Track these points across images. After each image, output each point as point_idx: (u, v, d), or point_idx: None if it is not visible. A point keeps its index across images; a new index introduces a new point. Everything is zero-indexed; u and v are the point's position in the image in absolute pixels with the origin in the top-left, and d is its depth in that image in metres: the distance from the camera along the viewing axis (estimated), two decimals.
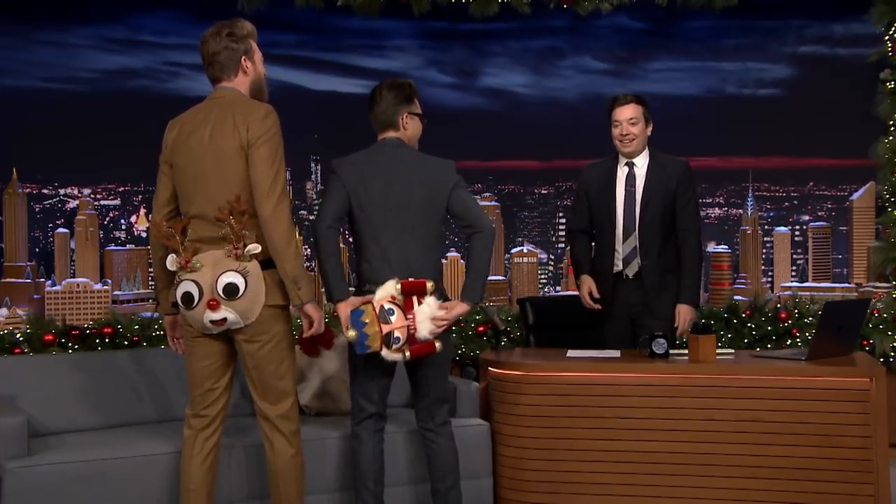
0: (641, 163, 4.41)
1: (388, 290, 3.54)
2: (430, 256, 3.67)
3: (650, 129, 4.40)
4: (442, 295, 3.63)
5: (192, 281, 3.25)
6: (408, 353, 3.51)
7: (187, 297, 3.26)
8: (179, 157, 3.38)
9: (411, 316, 3.52)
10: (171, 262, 3.31)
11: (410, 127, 3.74)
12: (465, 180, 3.71)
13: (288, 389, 3.41)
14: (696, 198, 4.48)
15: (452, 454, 3.77)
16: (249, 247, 3.24)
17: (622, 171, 4.42)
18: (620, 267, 4.38)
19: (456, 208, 3.65)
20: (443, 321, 3.53)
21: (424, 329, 3.52)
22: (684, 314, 4.31)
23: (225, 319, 3.24)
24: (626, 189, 4.41)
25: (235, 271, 3.22)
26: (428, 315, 3.53)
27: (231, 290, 3.21)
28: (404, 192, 3.63)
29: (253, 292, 3.24)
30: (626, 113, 4.36)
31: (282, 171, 3.27)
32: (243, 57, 3.42)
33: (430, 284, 3.55)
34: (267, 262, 3.27)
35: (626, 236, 4.38)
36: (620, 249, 4.39)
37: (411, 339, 3.51)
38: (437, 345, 3.56)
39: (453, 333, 5.32)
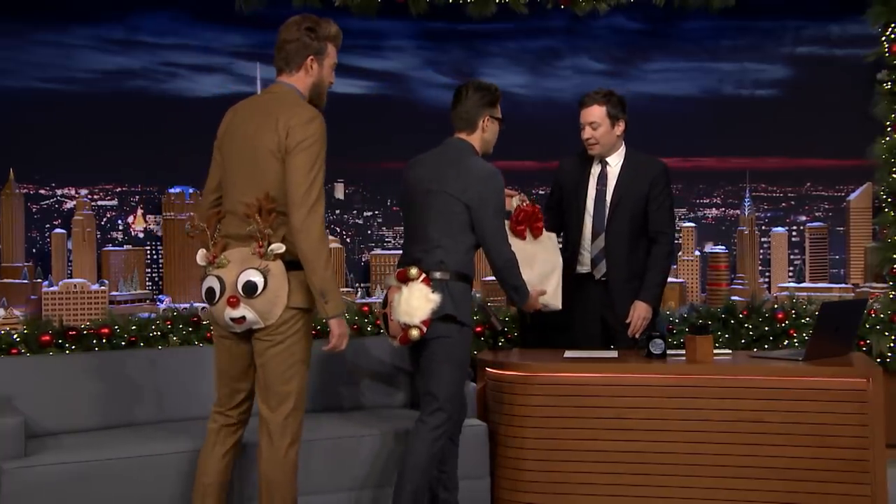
0: (615, 162, 4.35)
1: (389, 280, 3.72)
2: (440, 254, 3.66)
3: (619, 127, 4.30)
4: (438, 285, 3.61)
5: (216, 276, 3.23)
6: (395, 341, 3.64)
7: (210, 292, 3.24)
8: (225, 148, 3.37)
9: (391, 302, 3.62)
10: (200, 256, 3.29)
11: (489, 130, 3.80)
12: (502, 198, 3.71)
13: (291, 393, 3.31)
14: (671, 201, 4.38)
15: (415, 456, 3.65)
16: (273, 246, 3.20)
17: (595, 170, 4.37)
18: (588, 268, 4.35)
19: (478, 231, 3.68)
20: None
21: (398, 315, 3.58)
22: (640, 311, 4.24)
23: (244, 318, 3.20)
24: (596, 188, 4.35)
25: (256, 269, 3.18)
26: (401, 301, 3.56)
27: (250, 287, 3.17)
28: (431, 192, 3.70)
29: (273, 292, 3.19)
30: (587, 116, 4.29)
31: (319, 180, 3.19)
32: (312, 56, 3.34)
33: (412, 271, 3.58)
34: (295, 263, 3.21)
35: (594, 237, 4.33)
36: (589, 249, 4.35)
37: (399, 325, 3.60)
38: (413, 332, 3.56)
39: None
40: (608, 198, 4.33)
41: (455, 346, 3.67)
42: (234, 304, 3.19)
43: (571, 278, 4.33)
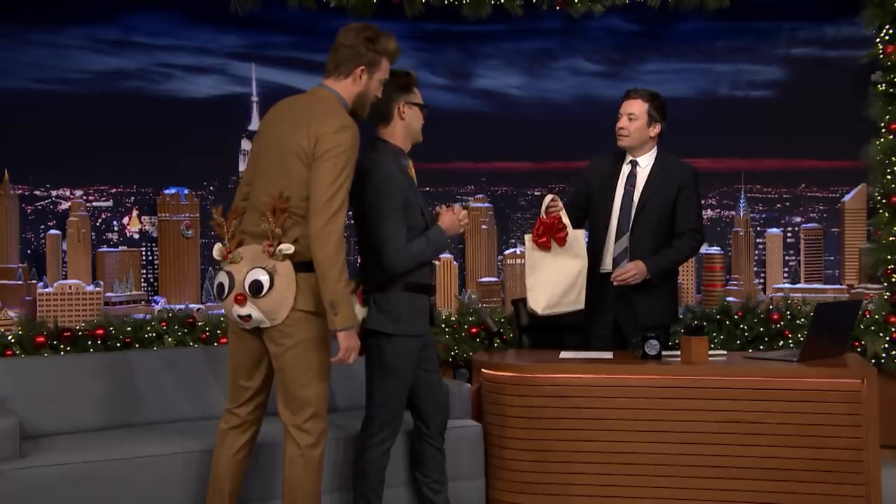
0: (645, 163, 4.37)
1: None
2: (366, 267, 3.64)
3: (655, 129, 4.34)
4: (367, 297, 3.59)
5: (227, 272, 3.22)
6: None
7: (220, 287, 3.26)
8: (258, 144, 3.36)
9: None
10: (216, 251, 3.29)
11: (409, 117, 3.63)
12: (395, 199, 3.51)
13: (310, 399, 3.29)
14: (700, 204, 4.40)
15: (355, 465, 3.72)
16: (282, 246, 3.18)
17: (625, 169, 4.39)
18: (609, 267, 4.36)
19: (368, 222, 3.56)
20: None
21: None
22: (637, 266, 4.21)
23: (250, 316, 3.20)
24: (624, 188, 4.37)
25: (263, 269, 3.17)
26: None
27: (256, 287, 3.17)
28: (354, 195, 3.56)
29: (279, 293, 3.18)
30: (628, 107, 4.34)
31: (342, 191, 3.15)
32: (364, 66, 3.32)
33: (351, 284, 3.56)
34: (307, 265, 3.18)
35: (618, 236, 4.34)
36: (612, 248, 4.36)
37: None
38: None
39: (447, 335, 5.36)
40: (636, 198, 4.34)
41: (382, 354, 3.61)
42: (241, 301, 3.19)
43: (597, 275, 4.36)
